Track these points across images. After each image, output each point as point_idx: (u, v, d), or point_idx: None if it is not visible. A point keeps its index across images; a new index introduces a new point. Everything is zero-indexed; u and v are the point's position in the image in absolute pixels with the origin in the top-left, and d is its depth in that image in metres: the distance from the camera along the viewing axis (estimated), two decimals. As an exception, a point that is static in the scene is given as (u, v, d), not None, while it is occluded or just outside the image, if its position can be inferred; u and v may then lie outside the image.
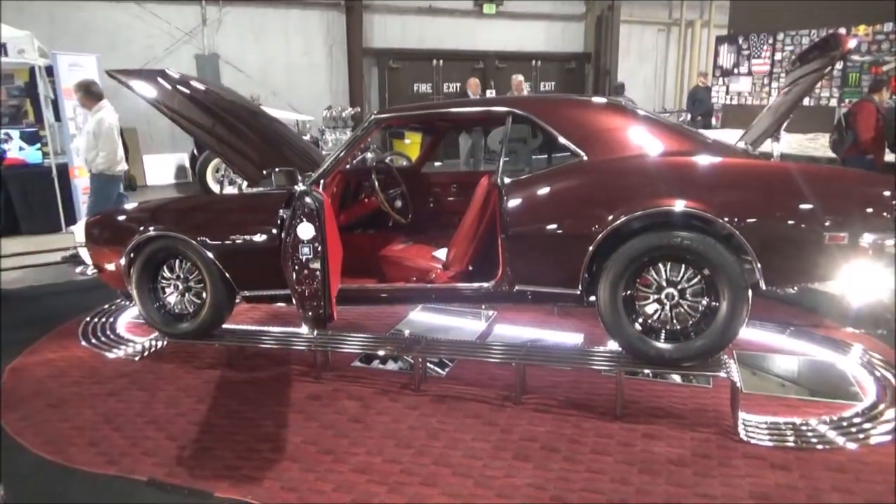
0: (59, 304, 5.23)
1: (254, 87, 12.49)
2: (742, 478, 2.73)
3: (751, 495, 2.61)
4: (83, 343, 4.36)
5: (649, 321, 3.15)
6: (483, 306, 4.56)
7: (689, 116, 13.39)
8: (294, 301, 2.72)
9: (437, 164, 12.86)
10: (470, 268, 3.55)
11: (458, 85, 14.64)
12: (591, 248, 3.07)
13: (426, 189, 4.62)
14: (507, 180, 3.25)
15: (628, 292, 3.12)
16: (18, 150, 8.13)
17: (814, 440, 3.00)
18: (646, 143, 3.17)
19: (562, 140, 3.20)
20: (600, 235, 3.05)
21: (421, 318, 4.68)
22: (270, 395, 3.56)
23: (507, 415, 3.29)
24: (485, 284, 3.40)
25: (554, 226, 3.16)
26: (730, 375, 3.06)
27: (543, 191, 3.22)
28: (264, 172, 3.29)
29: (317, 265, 2.62)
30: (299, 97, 13.33)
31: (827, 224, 2.84)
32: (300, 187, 2.66)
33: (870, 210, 2.84)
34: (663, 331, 3.12)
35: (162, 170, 12.48)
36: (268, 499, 2.65)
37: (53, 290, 5.72)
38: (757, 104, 12.22)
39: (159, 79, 3.71)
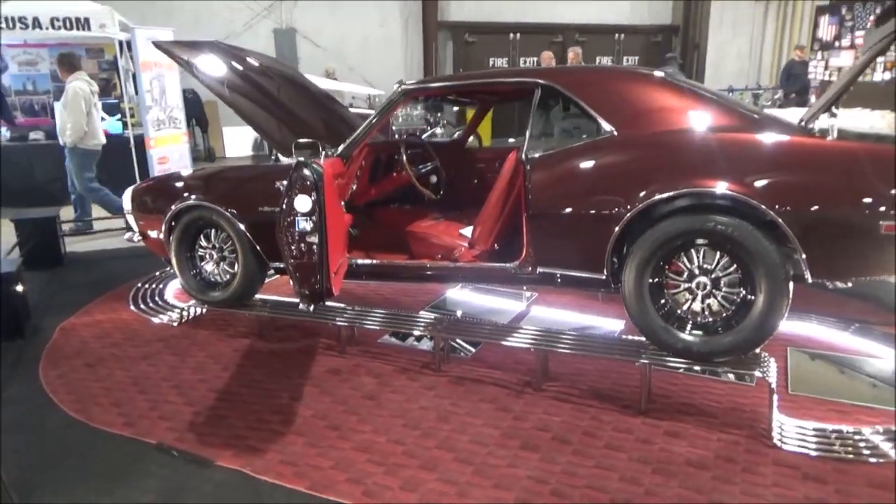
0: (120, 269, 5.48)
1: (329, 62, 12.64)
2: (767, 487, 2.49)
3: (772, 507, 2.38)
4: (131, 307, 4.54)
5: (678, 311, 2.91)
6: (524, 288, 4.42)
7: (782, 94, 12.49)
8: (289, 275, 2.69)
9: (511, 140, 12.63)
10: (496, 247, 3.41)
11: (535, 59, 14.27)
12: (617, 229, 2.86)
13: (469, 165, 4.49)
14: (532, 156, 3.07)
15: (656, 279, 2.89)
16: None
17: (861, 451, 2.70)
18: (683, 117, 2.90)
19: (591, 113, 2.98)
20: (626, 216, 2.84)
21: (459, 296, 4.59)
22: (293, 366, 3.58)
23: (524, 401, 3.16)
24: (508, 265, 3.26)
25: (578, 205, 2.97)
26: (765, 375, 2.79)
27: (568, 167, 3.02)
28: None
29: (314, 239, 2.56)
30: (374, 72, 13.39)
31: (882, 211, 2.51)
32: (299, 159, 2.60)
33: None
34: (691, 322, 2.88)
35: (240, 142, 12.89)
36: (265, 471, 2.65)
37: (117, 255, 6.00)
38: (862, 81, 11.25)
39: (205, 51, 3.74)
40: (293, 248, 2.60)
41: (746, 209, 2.67)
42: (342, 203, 3.31)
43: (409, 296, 4.63)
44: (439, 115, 11.03)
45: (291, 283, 2.68)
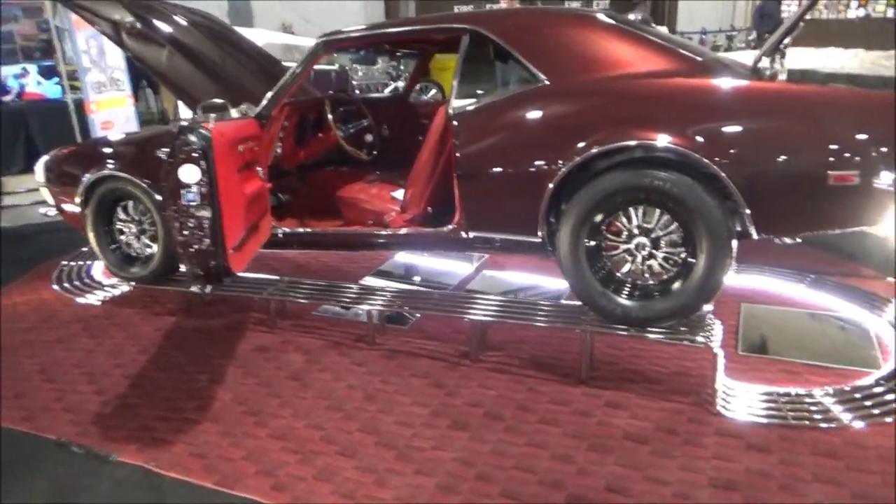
0: (52, 244, 5.17)
1: (286, 13, 12.09)
2: (707, 460, 2.33)
3: (711, 482, 2.21)
4: (55, 286, 4.26)
5: (617, 275, 2.70)
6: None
7: (755, 35, 12.14)
8: (178, 254, 2.43)
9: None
10: (430, 210, 3.16)
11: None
12: (550, 187, 2.62)
13: (413, 121, 4.19)
14: (460, 110, 2.80)
15: (593, 241, 2.66)
16: (37, 85, 8.09)
17: (810, 416, 2.54)
18: (621, 63, 2.63)
19: (522, 61, 2.70)
20: (559, 174, 2.59)
21: (405, 259, 4.36)
22: (217, 345, 3.35)
23: (459, 375, 2.96)
24: (441, 229, 3.01)
25: (508, 162, 2.72)
26: (708, 340, 2.60)
27: (497, 122, 2.76)
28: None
29: (205, 213, 2.29)
30: (334, 24, 12.82)
31: (830, 161, 2.29)
32: (181, 124, 2.31)
33: (890, 143, 2.26)
34: (628, 286, 2.67)
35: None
36: (171, 465, 2.44)
37: (53, 229, 5.66)
38: (835, 18, 10.95)
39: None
40: (181, 223, 2.33)
41: (686, 162, 2.43)
42: (258, 168, 3.03)
43: (354, 262, 4.38)
44: (402, 68, 10.60)
45: (181, 261, 2.42)
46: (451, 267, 4.17)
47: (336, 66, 10.25)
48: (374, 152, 3.64)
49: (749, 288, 3.73)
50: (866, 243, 4.25)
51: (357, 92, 9.68)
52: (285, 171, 3.70)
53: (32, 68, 8.19)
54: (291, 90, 3.17)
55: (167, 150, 2.28)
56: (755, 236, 2.49)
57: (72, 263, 4.60)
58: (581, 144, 2.53)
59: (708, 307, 2.74)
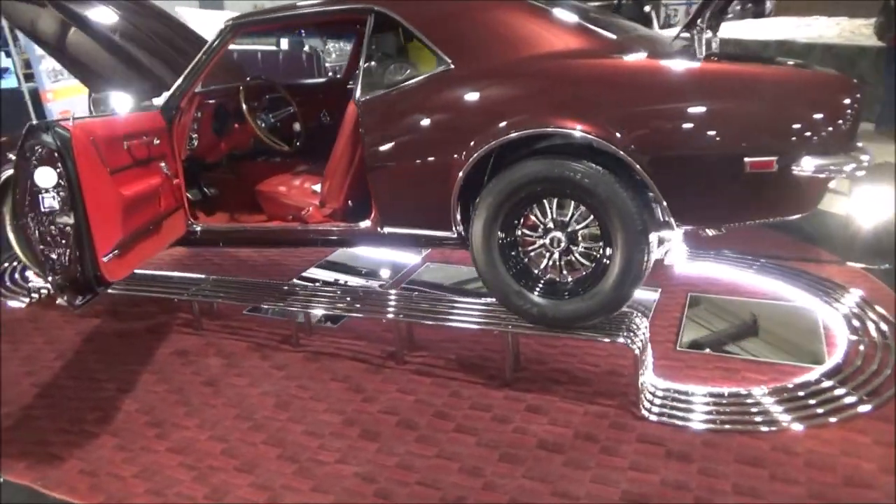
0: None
1: (258, -4, 11.80)
2: (622, 471, 2.18)
3: (623, 497, 2.07)
4: (-15, 288, 4.10)
5: (534, 272, 2.54)
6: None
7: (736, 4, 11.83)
8: (39, 264, 2.26)
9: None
10: (350, 204, 2.98)
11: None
12: (459, 179, 2.45)
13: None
14: (364, 98, 2.61)
15: (506, 236, 2.49)
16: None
17: (743, 418, 2.39)
18: (531, 43, 2.43)
19: (426, 43, 2.50)
20: (465, 167, 2.41)
21: (349, 252, 4.19)
22: (136, 350, 3.20)
23: (381, 378, 2.81)
24: (358, 225, 2.84)
25: (413, 154, 2.54)
26: (629, 341, 2.44)
27: (399, 110, 2.57)
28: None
29: (67, 219, 2.12)
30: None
31: (745, 146, 2.10)
32: (32, 123, 2.11)
33: (813, 127, 2.08)
34: (542, 284, 2.51)
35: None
36: (57, 485, 2.30)
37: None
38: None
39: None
40: (41, 233, 2.15)
41: (596, 150, 2.25)
42: (162, 164, 2.85)
43: (298, 255, 4.22)
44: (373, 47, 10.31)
45: (43, 275, 2.25)
46: (398, 258, 4.00)
47: (307, 48, 9.99)
48: (298, 143, 3.44)
49: (700, 276, 3.58)
50: (828, 225, 4.09)
51: (330, 74, 9.43)
52: (211, 163, 3.52)
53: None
54: (198, 80, 2.98)
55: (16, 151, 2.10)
56: (674, 228, 2.32)
57: (5, 265, 4.43)
58: (485, 134, 2.36)
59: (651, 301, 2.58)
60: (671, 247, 3.78)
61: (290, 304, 3.04)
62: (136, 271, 3.58)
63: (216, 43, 2.95)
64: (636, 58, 2.34)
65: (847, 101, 2.07)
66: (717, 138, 2.12)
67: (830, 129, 2.06)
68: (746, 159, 2.10)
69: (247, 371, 2.94)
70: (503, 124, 2.33)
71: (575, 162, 2.26)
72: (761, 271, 3.52)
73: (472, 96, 2.44)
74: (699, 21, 2.24)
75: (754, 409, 2.44)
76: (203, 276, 3.50)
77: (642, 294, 3.35)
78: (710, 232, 2.44)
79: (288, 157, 3.60)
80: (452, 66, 2.46)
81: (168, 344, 3.23)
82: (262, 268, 4.07)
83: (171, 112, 3.00)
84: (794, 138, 2.06)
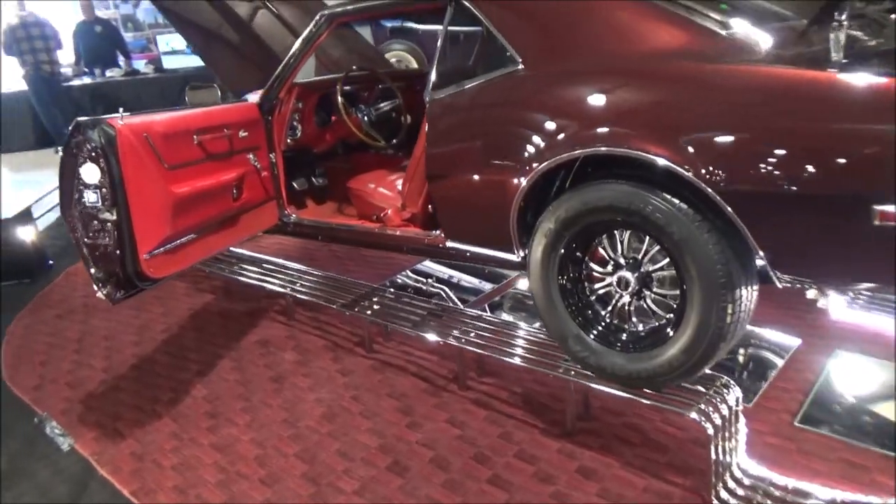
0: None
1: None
2: (663, 579, 1.77)
3: None
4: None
5: (596, 316, 2.14)
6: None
7: None
8: (82, 256, 2.32)
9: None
10: (431, 210, 2.77)
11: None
12: (518, 197, 2.12)
13: None
14: (433, 97, 2.36)
15: (569, 270, 2.12)
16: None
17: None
18: (619, 40, 1.99)
19: (498, 37, 2.17)
20: (524, 183, 2.07)
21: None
22: (229, 332, 3.32)
23: (435, 402, 2.61)
24: (428, 236, 2.63)
25: (472, 163, 2.24)
26: (704, 417, 1.97)
27: (461, 113, 2.28)
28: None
29: (109, 216, 2.15)
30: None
31: (876, 192, 1.53)
32: (78, 119, 2.15)
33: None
34: (603, 331, 2.10)
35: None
36: (108, 463, 2.44)
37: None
38: None
39: None
40: (84, 225, 2.23)
41: (671, 180, 1.80)
42: (250, 155, 2.86)
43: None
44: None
45: (85, 267, 2.33)
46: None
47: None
48: (395, 139, 3.28)
49: (862, 328, 2.84)
50: None
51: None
52: (319, 154, 3.50)
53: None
54: (295, 71, 2.94)
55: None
56: (779, 284, 1.79)
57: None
58: (547, 149, 1.99)
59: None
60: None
61: (362, 310, 2.92)
62: (247, 254, 3.74)
63: (311, 34, 2.87)
64: (742, 64, 1.82)
65: None
66: (834, 176, 1.57)
67: None
68: (876, 207, 1.53)
69: (313, 372, 2.90)
70: (564, 140, 1.96)
71: (649, 192, 1.83)
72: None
73: (535, 103, 2.08)
74: (838, 14, 1.67)
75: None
76: (303, 267, 3.52)
77: (776, 340, 2.76)
78: (820, 301, 1.88)
79: (391, 151, 3.47)
80: (521, 66, 2.11)
81: (256, 331, 3.30)
82: (371, 259, 4.00)
83: (270, 103, 3.00)
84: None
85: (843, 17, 1.67)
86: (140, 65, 9.32)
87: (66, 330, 3.52)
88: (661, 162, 1.77)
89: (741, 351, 2.83)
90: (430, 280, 3.60)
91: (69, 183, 2.22)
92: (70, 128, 2.19)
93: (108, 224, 2.19)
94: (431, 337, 2.68)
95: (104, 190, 2.15)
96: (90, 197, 2.18)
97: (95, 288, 2.35)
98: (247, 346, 3.16)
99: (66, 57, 8.79)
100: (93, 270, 2.31)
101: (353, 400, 2.67)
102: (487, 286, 3.45)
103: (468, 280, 3.59)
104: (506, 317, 3.10)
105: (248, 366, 3.00)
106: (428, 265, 3.76)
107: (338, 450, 2.39)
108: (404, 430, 2.46)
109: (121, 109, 2.24)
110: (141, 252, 2.27)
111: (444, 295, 3.42)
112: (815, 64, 1.71)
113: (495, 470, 2.22)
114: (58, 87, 7.95)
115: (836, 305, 2.93)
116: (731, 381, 2.09)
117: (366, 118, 3.27)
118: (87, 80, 8.69)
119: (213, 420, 2.63)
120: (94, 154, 2.13)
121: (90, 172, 2.14)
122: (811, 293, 3.15)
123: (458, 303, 3.24)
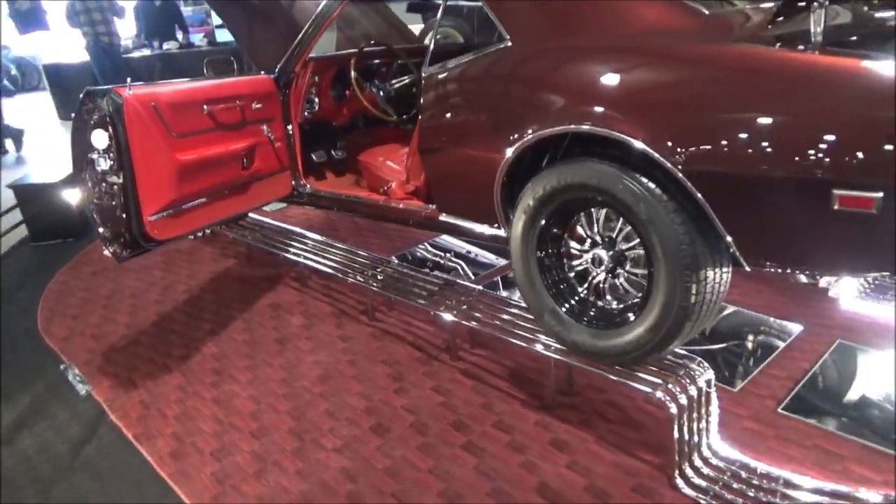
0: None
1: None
2: (613, 548, 1.81)
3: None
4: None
5: (572, 292, 2.16)
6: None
7: None
8: (92, 217, 2.47)
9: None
10: (430, 183, 2.83)
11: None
12: (500, 173, 2.15)
13: None
14: (427, 73, 2.40)
15: (547, 246, 2.15)
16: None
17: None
18: (608, 20, 1.99)
19: (491, 15, 2.19)
20: (505, 158, 2.11)
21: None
22: (245, 296, 3.47)
23: (425, 370, 2.69)
24: (426, 209, 2.69)
25: (458, 140, 2.29)
26: (668, 397, 1.98)
27: (451, 88, 2.31)
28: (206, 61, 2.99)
29: (116, 179, 2.29)
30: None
31: (837, 177, 1.50)
32: (87, 88, 2.29)
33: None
34: (580, 308, 2.13)
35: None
36: (119, 409, 2.62)
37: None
38: None
39: None
40: (94, 187, 2.37)
41: (644, 160, 1.80)
42: (264, 126, 2.97)
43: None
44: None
45: (94, 225, 2.49)
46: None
47: None
48: (408, 114, 3.33)
49: (870, 319, 2.77)
50: None
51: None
52: (338, 127, 3.59)
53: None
54: (309, 46, 3.02)
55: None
56: (747, 267, 1.79)
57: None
58: (526, 126, 2.02)
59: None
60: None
61: (366, 280, 3.01)
62: (269, 222, 3.89)
63: (325, 10, 2.94)
64: (718, 45, 1.79)
65: None
66: (796, 160, 1.55)
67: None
68: (836, 192, 1.51)
69: (316, 336, 3.02)
70: (543, 117, 1.98)
71: (620, 171, 1.84)
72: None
73: (520, 80, 2.10)
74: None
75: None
76: (319, 237, 3.63)
77: (779, 327, 2.73)
78: (802, 278, 1.85)
79: (410, 126, 3.53)
80: (510, 44, 2.14)
81: (270, 296, 3.45)
82: (390, 232, 4.09)
83: (287, 77, 3.10)
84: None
85: (823, -4, 1.63)
86: (196, 38, 9.62)
87: (99, 287, 3.75)
88: (633, 143, 1.78)
89: (750, 337, 2.81)
90: (447, 255, 3.67)
91: (80, 148, 2.38)
92: (81, 96, 2.34)
93: (115, 187, 2.34)
94: (424, 307, 2.75)
95: (111, 155, 2.30)
96: (99, 161, 2.33)
97: (103, 246, 2.52)
98: (259, 309, 3.31)
99: (128, 29, 9.18)
100: (101, 230, 2.48)
101: (349, 364, 2.78)
102: (503, 261, 3.49)
103: (485, 256, 3.65)
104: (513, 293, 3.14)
105: (257, 327, 3.14)
106: (447, 239, 3.83)
107: (326, 409, 2.50)
108: (392, 395, 2.55)
109: (128, 80, 2.37)
110: (145, 214, 2.42)
111: (459, 270, 3.49)
112: (791, 44, 1.69)
113: (471, 437, 2.28)
114: (118, 58, 8.29)
115: (846, 295, 2.90)
116: (704, 363, 2.09)
117: (381, 93, 3.34)
118: (146, 52, 9.04)
119: (218, 376, 2.78)
120: (103, 121, 2.28)
121: (99, 138, 2.29)
122: (822, 282, 3.09)
123: (472, 276, 3.31)
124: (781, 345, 2.65)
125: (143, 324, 3.29)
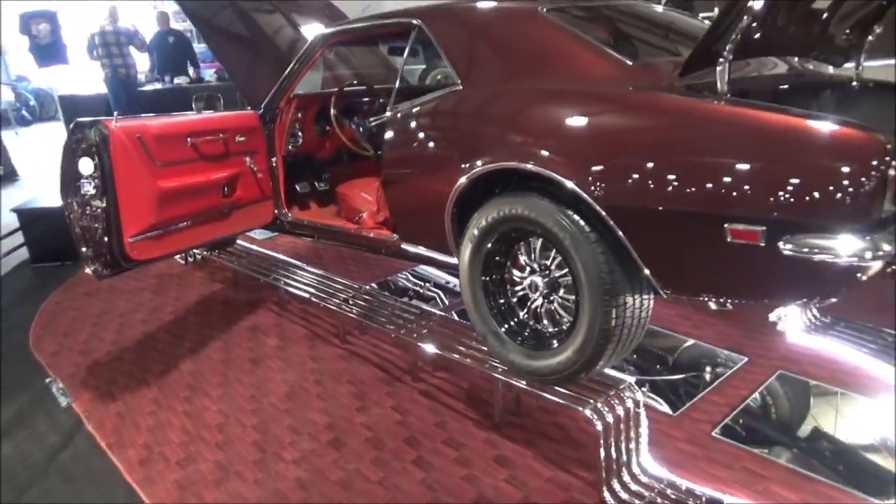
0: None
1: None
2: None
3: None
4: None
5: (515, 316, 2.33)
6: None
7: None
8: (76, 238, 2.67)
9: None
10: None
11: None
12: (449, 205, 2.34)
13: None
14: (392, 111, 2.62)
15: (491, 273, 2.32)
16: None
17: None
18: (546, 68, 2.19)
19: (445, 61, 2.41)
20: (453, 192, 2.29)
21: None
22: (227, 318, 3.64)
23: (387, 391, 2.83)
24: (390, 237, 2.87)
25: (412, 174, 2.49)
26: (595, 416, 2.12)
27: (409, 126, 2.51)
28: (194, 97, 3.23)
29: (99, 203, 2.49)
30: None
31: (729, 213, 1.67)
32: (77, 120, 2.51)
33: (821, 192, 1.57)
34: (520, 331, 2.29)
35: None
36: (95, 419, 2.77)
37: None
38: None
39: None
40: (79, 210, 2.57)
41: (570, 195, 1.98)
42: (247, 158, 3.17)
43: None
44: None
45: (77, 247, 2.68)
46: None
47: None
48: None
49: (812, 352, 2.90)
50: None
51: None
52: (322, 160, 3.80)
53: None
54: (293, 85, 3.25)
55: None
56: (664, 295, 1.94)
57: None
58: (473, 163, 2.21)
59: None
60: (786, 311, 3.17)
61: (348, 308, 3.17)
62: (256, 249, 4.08)
63: (307, 52, 3.17)
64: (639, 92, 1.99)
65: (870, 165, 1.53)
66: (696, 194, 1.72)
67: (844, 200, 1.55)
68: (727, 226, 1.68)
69: (288, 357, 3.18)
70: (486, 154, 2.17)
71: (549, 204, 2.02)
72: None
73: (465, 120, 2.31)
74: (721, 46, 1.81)
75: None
76: (301, 263, 3.81)
77: (725, 357, 2.87)
78: (712, 305, 2.00)
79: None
80: (460, 86, 2.35)
81: (250, 318, 3.62)
82: (371, 261, 4.26)
83: (272, 112, 3.32)
84: (789, 208, 1.59)
85: (727, 52, 1.82)
86: (207, 73, 10.00)
87: (90, 306, 3.94)
88: (560, 180, 1.96)
89: (707, 368, 2.95)
90: (426, 284, 3.85)
91: (69, 174, 2.60)
92: (71, 126, 2.56)
93: (99, 210, 2.54)
94: (389, 331, 2.91)
95: (97, 181, 2.51)
96: (85, 186, 2.54)
97: (86, 265, 2.71)
98: (238, 331, 3.48)
99: (143, 63, 9.58)
100: (84, 249, 2.67)
101: (316, 384, 2.93)
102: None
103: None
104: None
105: (234, 347, 3.31)
106: (427, 270, 4.00)
107: (289, 424, 2.65)
108: (353, 412, 2.70)
109: (115, 113, 2.60)
110: (126, 236, 2.62)
111: (437, 300, 3.66)
112: (699, 94, 1.88)
113: (421, 453, 2.42)
114: (134, 90, 8.68)
115: (793, 328, 3.04)
116: (634, 385, 2.24)
117: (360, 129, 3.55)
118: (157, 85, 9.41)
119: (191, 391, 2.94)
120: (89, 150, 2.49)
121: (86, 165, 2.50)
122: (772, 315, 3.25)
123: (447, 306, 3.48)
124: (727, 373, 2.79)
125: (128, 341, 3.46)
